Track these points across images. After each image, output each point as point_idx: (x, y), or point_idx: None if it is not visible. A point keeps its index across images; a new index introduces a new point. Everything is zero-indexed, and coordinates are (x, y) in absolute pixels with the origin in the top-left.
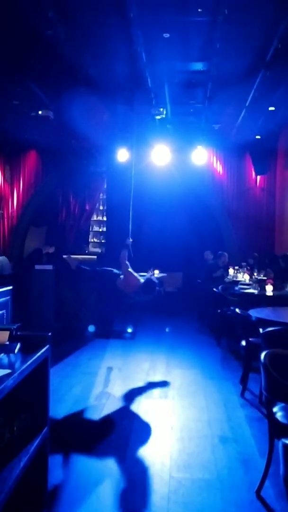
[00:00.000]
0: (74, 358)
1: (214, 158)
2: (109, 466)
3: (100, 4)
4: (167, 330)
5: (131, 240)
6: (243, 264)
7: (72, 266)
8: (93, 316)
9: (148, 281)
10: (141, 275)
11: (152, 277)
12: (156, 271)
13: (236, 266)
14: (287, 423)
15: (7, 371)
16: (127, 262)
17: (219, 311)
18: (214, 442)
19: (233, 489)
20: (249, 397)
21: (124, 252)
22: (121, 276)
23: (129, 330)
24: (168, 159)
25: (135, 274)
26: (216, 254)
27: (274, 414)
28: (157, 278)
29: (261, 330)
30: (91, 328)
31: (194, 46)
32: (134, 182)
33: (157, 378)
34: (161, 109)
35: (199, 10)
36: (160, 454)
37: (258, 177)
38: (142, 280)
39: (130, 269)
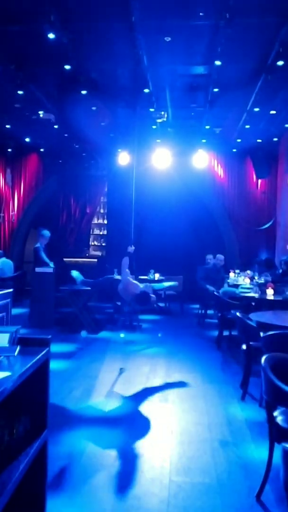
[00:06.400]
0: (75, 361)
1: (215, 161)
2: (109, 470)
3: (102, 8)
4: (159, 335)
5: (133, 247)
6: (255, 268)
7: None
8: (93, 319)
9: (142, 293)
10: (145, 284)
11: (148, 289)
12: (157, 274)
13: (237, 269)
14: (287, 427)
15: (7, 373)
16: (127, 270)
17: (219, 314)
18: (214, 446)
19: (233, 493)
20: (249, 401)
21: (126, 260)
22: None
23: (130, 334)
24: (169, 163)
25: (134, 282)
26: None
27: (274, 418)
28: (154, 290)
29: (261, 334)
30: (91, 331)
31: (196, 50)
32: (135, 186)
33: (157, 381)
34: (162, 113)
35: (200, 14)
36: (160, 458)
37: (259, 180)
38: (141, 286)
39: (129, 277)
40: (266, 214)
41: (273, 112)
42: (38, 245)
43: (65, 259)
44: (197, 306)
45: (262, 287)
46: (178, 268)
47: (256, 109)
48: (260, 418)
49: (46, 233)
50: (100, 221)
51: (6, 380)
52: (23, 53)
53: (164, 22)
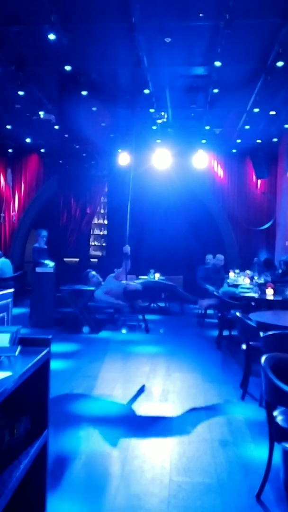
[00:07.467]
0: (75, 361)
1: (215, 162)
2: (109, 469)
3: (102, 9)
4: (161, 331)
5: (127, 247)
6: (255, 268)
7: None
8: (93, 319)
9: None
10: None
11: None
12: (157, 274)
13: (237, 269)
14: (287, 427)
15: (8, 373)
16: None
17: (219, 314)
18: (214, 445)
19: (233, 493)
20: (249, 401)
21: (127, 262)
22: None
23: (130, 333)
24: (169, 163)
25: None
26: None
27: (274, 418)
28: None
29: (261, 334)
30: (91, 331)
31: (196, 51)
32: (134, 186)
33: (157, 381)
34: (162, 113)
35: (200, 15)
36: (160, 457)
37: (259, 181)
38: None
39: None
40: (266, 214)
41: (272, 112)
42: (36, 245)
43: (65, 259)
44: (197, 306)
45: (261, 287)
46: (178, 268)
47: (256, 110)
48: (260, 418)
49: (43, 232)
50: (100, 221)
51: (7, 380)
52: (24, 53)
53: (164, 23)
